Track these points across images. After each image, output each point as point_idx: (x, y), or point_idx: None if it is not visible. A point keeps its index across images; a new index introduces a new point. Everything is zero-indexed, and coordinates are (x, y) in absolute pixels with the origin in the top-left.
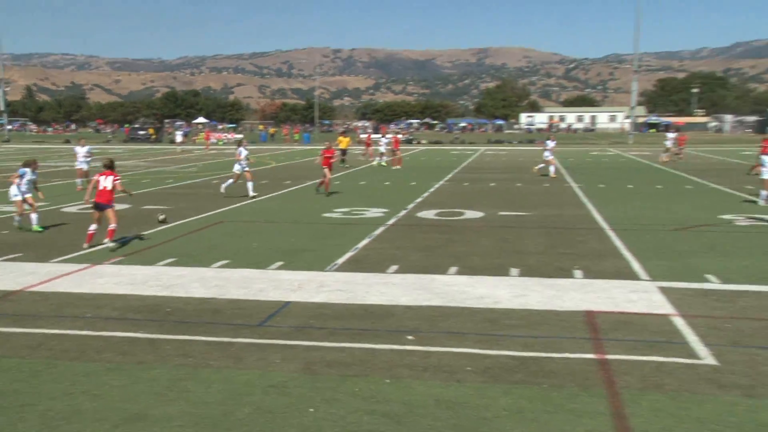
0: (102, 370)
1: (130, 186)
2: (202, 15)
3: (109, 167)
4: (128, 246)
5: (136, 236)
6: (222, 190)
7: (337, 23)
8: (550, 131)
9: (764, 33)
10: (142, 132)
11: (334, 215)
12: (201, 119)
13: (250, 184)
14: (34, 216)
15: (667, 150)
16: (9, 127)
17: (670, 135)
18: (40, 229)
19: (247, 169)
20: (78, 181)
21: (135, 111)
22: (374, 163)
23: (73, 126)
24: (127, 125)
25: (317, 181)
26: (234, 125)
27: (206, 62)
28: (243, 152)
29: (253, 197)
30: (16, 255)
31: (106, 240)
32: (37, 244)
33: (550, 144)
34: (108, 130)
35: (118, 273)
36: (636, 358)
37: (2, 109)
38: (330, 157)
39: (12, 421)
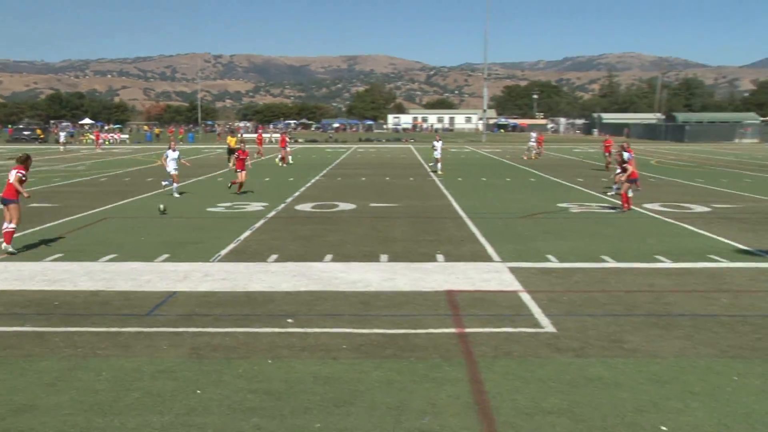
0: None
1: None
2: (85, 18)
3: (22, 161)
4: (16, 243)
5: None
6: (175, 194)
7: (218, 30)
8: (436, 132)
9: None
10: (27, 132)
11: (217, 209)
12: (87, 120)
13: (175, 185)
14: None
15: (530, 148)
16: None
17: (533, 134)
18: None
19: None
20: None
21: (19, 112)
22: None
23: None
24: (10, 126)
25: (216, 177)
26: (120, 126)
27: (90, 65)
28: (171, 154)
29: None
30: None
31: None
32: None
33: (438, 144)
34: None
35: (4, 269)
36: (490, 330)
37: None
38: (244, 159)
39: None
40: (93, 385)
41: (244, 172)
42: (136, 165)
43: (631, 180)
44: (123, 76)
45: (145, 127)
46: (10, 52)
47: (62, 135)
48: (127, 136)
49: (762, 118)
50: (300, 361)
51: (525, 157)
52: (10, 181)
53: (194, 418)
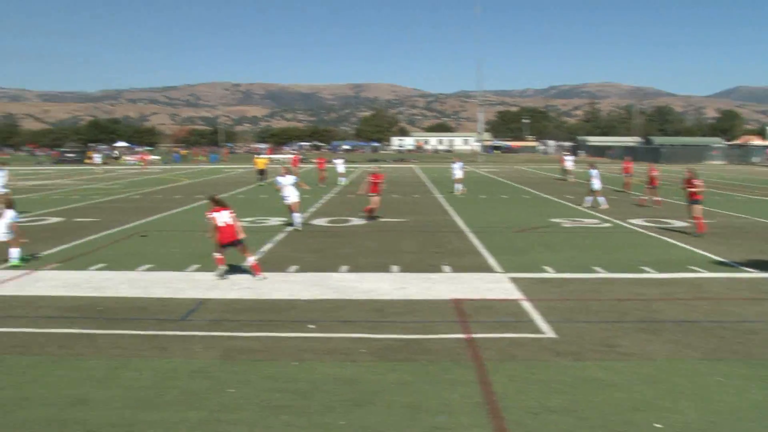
0: (48, 362)
1: (60, 201)
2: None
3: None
4: (64, 253)
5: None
6: (298, 225)
7: (237, 61)
8: (454, 154)
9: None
10: (70, 155)
11: (241, 223)
12: (121, 143)
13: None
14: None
15: (568, 171)
16: None
17: (568, 158)
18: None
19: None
20: None
21: (63, 137)
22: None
23: (8, 150)
24: (56, 149)
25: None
26: (151, 148)
27: (123, 94)
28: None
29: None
30: None
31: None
32: None
33: (457, 165)
34: (40, 154)
35: (56, 277)
36: (495, 335)
37: None
38: (377, 183)
39: None
40: (136, 382)
41: (378, 197)
42: (165, 183)
43: (694, 201)
44: (152, 104)
45: (175, 149)
46: (55, 84)
47: (96, 157)
48: (157, 157)
49: (727, 143)
50: (322, 364)
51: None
52: None
53: (227, 414)
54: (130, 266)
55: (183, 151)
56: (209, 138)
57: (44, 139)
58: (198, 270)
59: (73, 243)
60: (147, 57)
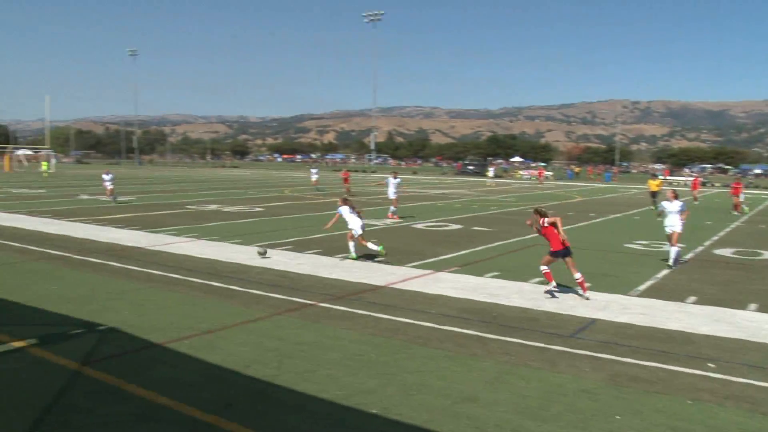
0: (444, 357)
1: (461, 210)
2: (521, 70)
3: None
4: (462, 258)
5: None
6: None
7: (636, 77)
8: None
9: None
10: (471, 167)
11: (634, 246)
12: (517, 158)
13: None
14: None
15: None
16: (375, 161)
17: None
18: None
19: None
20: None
21: (465, 150)
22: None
23: (419, 161)
24: (459, 161)
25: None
26: (544, 164)
27: (522, 112)
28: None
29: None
30: (381, 259)
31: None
32: (394, 252)
33: None
34: (445, 165)
35: (455, 280)
36: None
37: (372, 148)
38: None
39: (381, 384)
40: (523, 390)
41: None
42: (558, 200)
43: None
44: (549, 121)
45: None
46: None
47: (491, 170)
48: (551, 173)
49: None
50: (723, 409)
51: None
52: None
53: None
54: (522, 277)
55: (576, 168)
56: (603, 156)
57: (448, 152)
58: (588, 289)
59: (471, 249)
60: (546, 76)
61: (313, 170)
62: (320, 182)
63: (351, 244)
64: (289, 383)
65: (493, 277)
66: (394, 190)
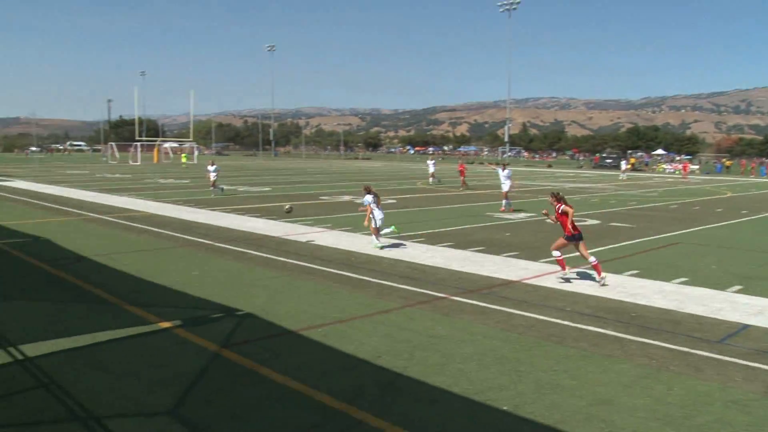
0: (578, 356)
1: (598, 205)
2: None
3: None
4: (598, 255)
5: None
6: None
7: None
8: None
9: None
10: (608, 160)
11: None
12: (660, 151)
13: None
14: None
15: None
16: (508, 153)
17: None
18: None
19: None
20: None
21: (603, 143)
22: None
23: (554, 154)
24: (596, 154)
25: None
26: (689, 157)
27: (666, 101)
28: None
29: None
30: (514, 253)
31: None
32: (527, 247)
33: None
34: (581, 158)
35: (590, 277)
36: None
37: (506, 140)
38: None
39: (513, 381)
40: (664, 397)
41: None
42: (705, 195)
43: None
44: (696, 111)
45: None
46: (600, 92)
47: (624, 163)
48: (697, 167)
49: None
50: None
51: None
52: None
53: None
54: (664, 277)
55: (727, 162)
56: (758, 148)
57: (585, 144)
58: (740, 292)
59: (608, 246)
60: (693, 62)
61: (430, 162)
62: (436, 174)
63: (373, 236)
64: (419, 375)
65: (631, 275)
66: (508, 183)
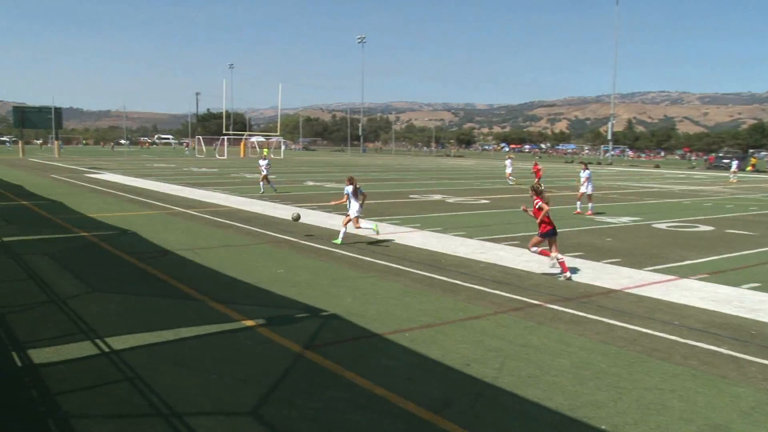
0: (687, 375)
1: (713, 210)
2: None
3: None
4: (713, 265)
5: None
6: None
7: None
8: None
9: None
10: (725, 160)
11: None
12: None
13: None
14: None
15: None
16: (611, 153)
17: None
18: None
19: None
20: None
21: (719, 141)
22: None
23: (662, 153)
24: (711, 153)
25: None
26: None
27: None
28: None
29: None
30: (615, 260)
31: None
32: (631, 253)
33: None
34: (693, 158)
35: (702, 289)
36: None
37: (609, 138)
38: None
39: (612, 398)
40: None
41: None
42: None
43: None
44: None
45: None
46: (717, 85)
47: (734, 164)
48: None
49: None
50: None
51: None
52: None
53: None
54: None
55: None
56: None
57: (699, 143)
58: None
59: (724, 255)
60: None
61: (508, 161)
62: (512, 175)
63: (343, 230)
64: (510, 386)
65: (751, 288)
66: (588, 184)
